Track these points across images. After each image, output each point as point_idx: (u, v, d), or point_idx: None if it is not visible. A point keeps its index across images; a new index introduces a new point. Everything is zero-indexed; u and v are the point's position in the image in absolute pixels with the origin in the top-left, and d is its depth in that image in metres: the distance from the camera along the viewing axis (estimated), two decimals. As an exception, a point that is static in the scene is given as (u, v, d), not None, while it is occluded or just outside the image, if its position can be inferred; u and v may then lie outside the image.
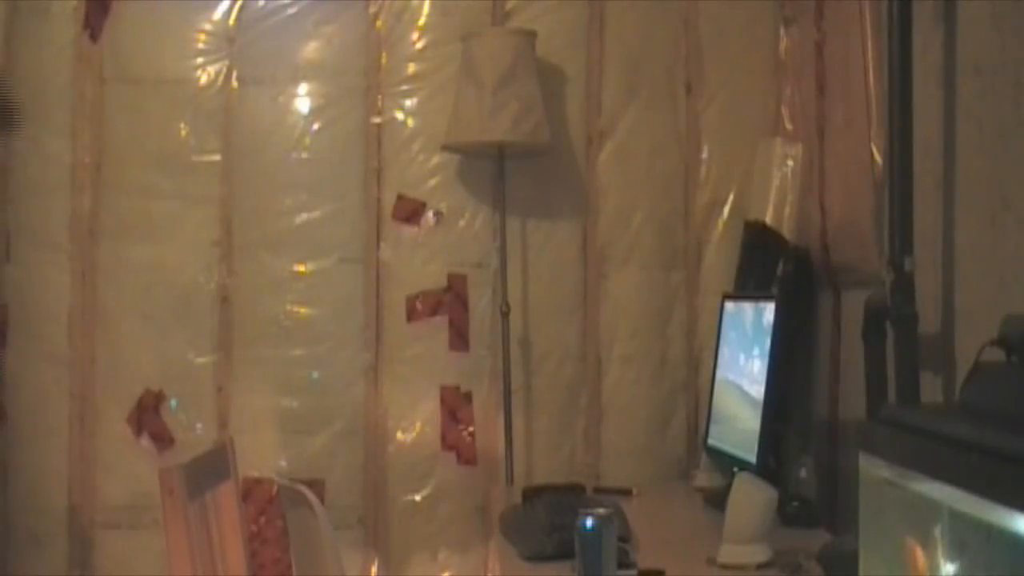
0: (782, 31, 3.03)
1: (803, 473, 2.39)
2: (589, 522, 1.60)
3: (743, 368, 2.54)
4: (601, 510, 1.64)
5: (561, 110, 3.05)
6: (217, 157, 3.04)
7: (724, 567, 1.98)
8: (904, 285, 1.94)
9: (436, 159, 3.05)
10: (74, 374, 3.02)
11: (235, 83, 3.05)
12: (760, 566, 1.96)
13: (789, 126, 2.92)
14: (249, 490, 2.94)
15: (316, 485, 2.86)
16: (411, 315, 3.04)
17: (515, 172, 2.99)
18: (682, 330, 3.08)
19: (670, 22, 3.08)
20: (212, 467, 2.14)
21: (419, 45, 3.06)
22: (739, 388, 2.56)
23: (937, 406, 1.84)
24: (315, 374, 3.04)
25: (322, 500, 2.63)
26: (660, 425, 3.07)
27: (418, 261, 3.05)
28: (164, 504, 1.83)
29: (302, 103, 3.07)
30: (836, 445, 2.54)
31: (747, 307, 2.62)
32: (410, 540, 3.04)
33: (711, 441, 2.70)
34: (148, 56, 3.06)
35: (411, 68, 3.06)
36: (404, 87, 3.06)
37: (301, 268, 3.05)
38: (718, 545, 2.03)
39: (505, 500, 2.66)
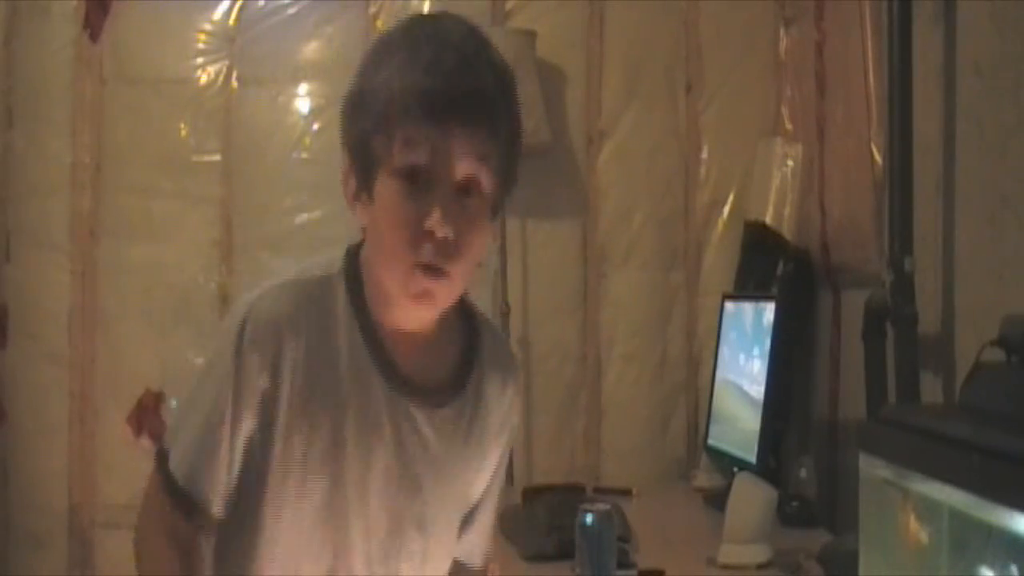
0: (782, 31, 3.03)
1: (803, 473, 2.39)
2: (589, 518, 1.60)
3: (743, 368, 2.54)
4: (601, 505, 1.64)
5: (561, 110, 3.04)
6: (217, 157, 3.04)
7: (724, 567, 1.98)
8: (904, 285, 1.94)
9: (436, 159, 3.04)
10: (74, 374, 3.02)
11: (235, 83, 3.05)
12: (760, 566, 1.96)
13: (789, 126, 2.92)
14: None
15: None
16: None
17: (515, 172, 2.98)
18: (682, 330, 3.07)
19: (670, 22, 3.08)
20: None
21: (419, 45, 3.05)
22: (739, 388, 2.56)
23: (937, 406, 1.85)
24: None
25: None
26: (660, 425, 3.06)
27: (418, 261, 3.04)
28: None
29: (302, 103, 3.06)
30: (836, 445, 2.54)
31: (747, 307, 2.62)
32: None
33: (711, 441, 2.70)
34: (148, 56, 3.05)
35: (411, 68, 3.05)
36: (404, 87, 3.05)
37: (301, 268, 3.04)
38: (718, 545, 2.03)
39: (505, 500, 2.66)
